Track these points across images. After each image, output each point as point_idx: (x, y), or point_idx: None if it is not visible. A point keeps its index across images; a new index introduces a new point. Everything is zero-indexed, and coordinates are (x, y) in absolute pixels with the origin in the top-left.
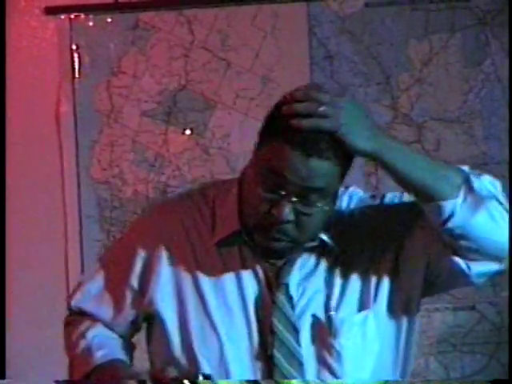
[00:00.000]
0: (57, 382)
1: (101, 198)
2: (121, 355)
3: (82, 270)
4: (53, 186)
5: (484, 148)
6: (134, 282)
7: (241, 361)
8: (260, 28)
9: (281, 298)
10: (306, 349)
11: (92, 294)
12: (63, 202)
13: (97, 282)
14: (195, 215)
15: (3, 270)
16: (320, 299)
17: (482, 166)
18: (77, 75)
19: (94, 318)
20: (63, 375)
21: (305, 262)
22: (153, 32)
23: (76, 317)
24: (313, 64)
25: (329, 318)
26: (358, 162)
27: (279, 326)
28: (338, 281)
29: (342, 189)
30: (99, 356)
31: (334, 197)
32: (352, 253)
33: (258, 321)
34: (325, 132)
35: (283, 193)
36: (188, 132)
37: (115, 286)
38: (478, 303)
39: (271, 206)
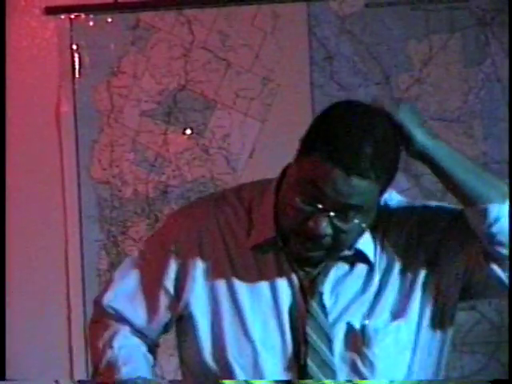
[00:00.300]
0: (56, 382)
1: (101, 198)
2: (146, 371)
3: (82, 270)
4: (53, 186)
5: (484, 148)
6: (169, 284)
7: (274, 369)
8: (260, 28)
9: (315, 306)
10: (339, 358)
11: (125, 295)
12: (63, 201)
13: (130, 282)
14: (231, 217)
15: (3, 270)
16: (354, 308)
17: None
18: (77, 75)
19: (123, 321)
20: (63, 375)
21: (339, 271)
22: (153, 32)
23: (105, 317)
24: (313, 64)
25: (362, 327)
26: None
27: (313, 336)
28: (372, 289)
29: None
30: (124, 372)
31: (372, 213)
32: (387, 262)
33: (292, 329)
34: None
35: (321, 206)
36: (188, 132)
37: (150, 288)
38: (478, 303)
39: (308, 217)
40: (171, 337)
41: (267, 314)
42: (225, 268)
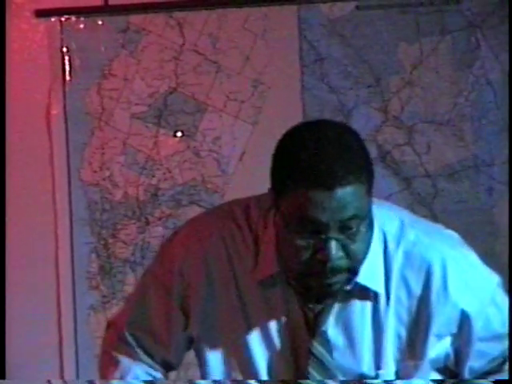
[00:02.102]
0: (48, 382)
1: (91, 201)
2: None
3: (73, 273)
4: (43, 189)
5: (474, 150)
6: (178, 306)
7: None
8: (251, 31)
9: (317, 345)
10: None
11: (142, 323)
12: (54, 204)
13: (145, 308)
14: (239, 242)
15: (3, 271)
16: (357, 349)
17: (471, 169)
18: (67, 78)
19: (140, 352)
20: (53, 376)
21: (342, 308)
22: (143, 35)
23: (121, 345)
24: (303, 67)
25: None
26: None
27: (315, 375)
28: (372, 332)
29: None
30: None
31: (370, 214)
32: (390, 301)
33: (297, 368)
34: None
35: (323, 236)
36: (179, 135)
37: (162, 311)
38: None
39: (314, 251)
40: None
41: (274, 349)
42: (232, 298)
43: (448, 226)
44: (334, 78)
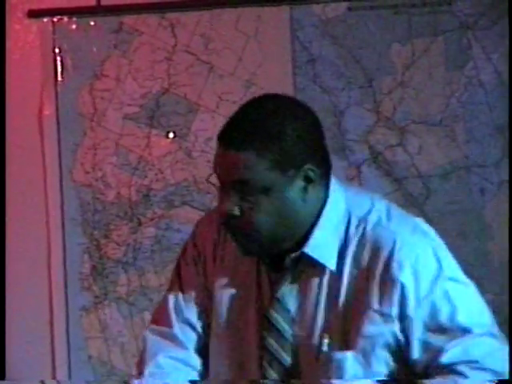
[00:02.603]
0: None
1: (83, 202)
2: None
3: (65, 274)
4: (35, 189)
5: (466, 151)
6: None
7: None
8: (243, 31)
9: (273, 312)
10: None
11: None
12: (46, 205)
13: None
14: None
15: (3, 271)
16: (310, 318)
17: (463, 169)
18: (60, 78)
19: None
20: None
21: (296, 277)
22: (136, 35)
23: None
24: (296, 67)
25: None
26: (339, 163)
27: (273, 344)
28: (324, 304)
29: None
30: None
31: (279, 194)
32: (343, 277)
33: (261, 337)
34: None
35: (224, 189)
36: (171, 135)
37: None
38: None
39: (219, 200)
40: None
41: (239, 321)
42: (227, 274)
43: (440, 226)
44: (326, 79)
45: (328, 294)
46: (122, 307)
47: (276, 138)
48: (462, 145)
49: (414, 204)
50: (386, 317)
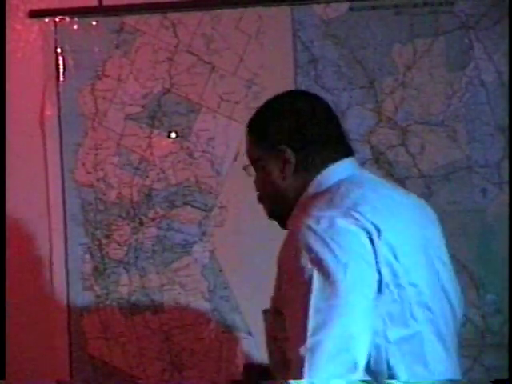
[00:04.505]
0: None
1: (85, 202)
2: None
3: (67, 274)
4: (37, 189)
5: (467, 151)
6: None
7: None
8: (244, 32)
9: None
10: None
11: None
12: (47, 205)
13: None
14: None
15: (4, 272)
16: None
17: (465, 170)
18: (61, 78)
19: None
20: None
21: None
22: (137, 35)
23: None
24: (297, 67)
25: None
26: None
27: None
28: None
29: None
30: None
31: (266, 163)
32: None
33: None
34: None
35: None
36: (173, 135)
37: None
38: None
39: None
40: None
41: None
42: None
43: (442, 226)
44: (327, 79)
45: None
46: (124, 307)
47: (260, 121)
48: (463, 145)
49: None
50: None
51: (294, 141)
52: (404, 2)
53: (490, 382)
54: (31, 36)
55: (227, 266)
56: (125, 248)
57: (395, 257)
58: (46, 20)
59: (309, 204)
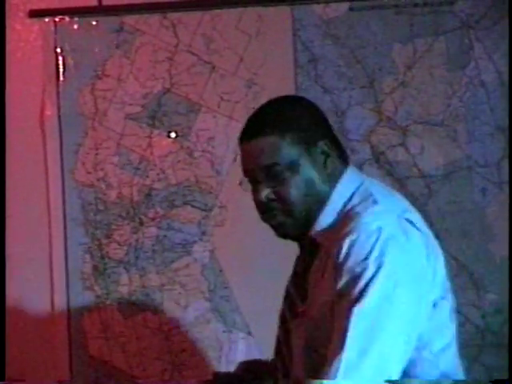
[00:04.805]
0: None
1: (85, 201)
2: None
3: (67, 273)
4: (37, 189)
5: (467, 151)
6: None
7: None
8: (244, 31)
9: (289, 285)
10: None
11: None
12: (48, 205)
13: None
14: None
15: (4, 271)
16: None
17: (465, 169)
18: (61, 78)
19: None
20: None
21: (306, 253)
22: (137, 35)
23: None
24: (297, 67)
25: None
26: None
27: (288, 315)
28: (314, 278)
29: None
30: None
31: (304, 167)
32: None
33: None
34: None
35: (254, 181)
36: (172, 135)
37: None
38: (462, 306)
39: (254, 195)
40: None
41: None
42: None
43: (442, 226)
44: (327, 79)
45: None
46: (124, 307)
47: (292, 119)
48: (463, 145)
49: (415, 204)
50: None
51: (329, 136)
52: (404, 1)
53: (490, 382)
54: (31, 36)
55: (227, 265)
56: (125, 248)
57: (436, 264)
58: (46, 20)
59: (353, 209)
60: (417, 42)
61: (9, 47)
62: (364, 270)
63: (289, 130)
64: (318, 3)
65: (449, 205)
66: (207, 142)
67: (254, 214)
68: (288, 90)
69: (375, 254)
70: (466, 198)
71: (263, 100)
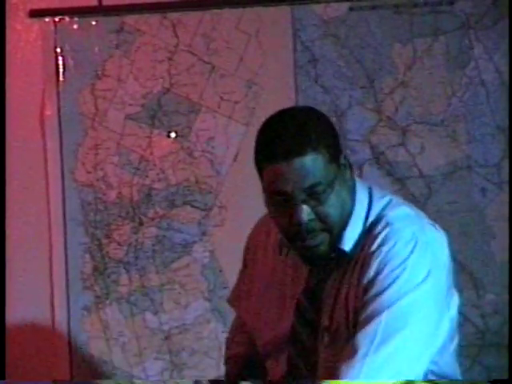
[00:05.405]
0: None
1: (85, 201)
2: None
3: (67, 273)
4: (37, 189)
5: (467, 151)
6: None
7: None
8: (244, 31)
9: (302, 299)
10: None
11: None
12: (47, 205)
13: None
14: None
15: (4, 271)
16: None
17: (465, 169)
18: (61, 78)
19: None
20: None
21: (323, 268)
22: (137, 35)
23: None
24: (297, 67)
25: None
26: None
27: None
28: (333, 292)
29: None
30: None
31: (338, 181)
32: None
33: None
34: None
35: (293, 203)
36: (172, 135)
37: None
38: (462, 306)
39: (290, 218)
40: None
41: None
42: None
43: (442, 226)
44: (327, 79)
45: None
46: (124, 307)
47: (322, 135)
48: (463, 145)
49: (415, 204)
50: None
51: (342, 147)
52: (404, 1)
53: (490, 382)
54: (31, 36)
55: (227, 265)
56: (125, 248)
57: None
58: (46, 20)
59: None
60: (416, 42)
61: (9, 47)
62: (400, 274)
63: (324, 146)
64: (318, 3)
65: (449, 205)
66: (207, 142)
67: (254, 213)
68: (288, 89)
69: (412, 260)
70: (465, 198)
71: (263, 100)
